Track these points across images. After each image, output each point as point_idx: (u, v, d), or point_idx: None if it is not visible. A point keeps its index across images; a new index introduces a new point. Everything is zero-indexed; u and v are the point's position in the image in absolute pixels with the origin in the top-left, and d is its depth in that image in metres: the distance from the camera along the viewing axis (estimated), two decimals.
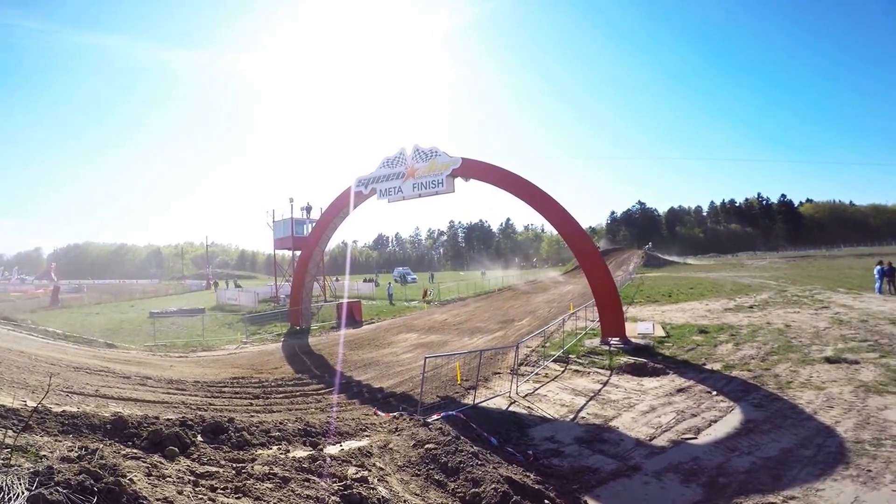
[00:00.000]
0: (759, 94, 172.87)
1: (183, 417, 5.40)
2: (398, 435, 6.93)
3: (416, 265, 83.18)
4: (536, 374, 11.09)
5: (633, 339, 13.50)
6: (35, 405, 4.87)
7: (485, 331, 17.93)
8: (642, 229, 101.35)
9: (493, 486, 5.37)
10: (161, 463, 3.91)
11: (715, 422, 7.79)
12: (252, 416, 7.71)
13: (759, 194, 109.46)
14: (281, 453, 5.50)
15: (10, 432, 3.82)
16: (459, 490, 5.49)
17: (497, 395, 9.60)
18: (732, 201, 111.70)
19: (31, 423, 4.13)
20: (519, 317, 20.98)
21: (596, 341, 13.70)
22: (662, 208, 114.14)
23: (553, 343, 13.91)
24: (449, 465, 5.90)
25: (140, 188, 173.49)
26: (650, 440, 7.28)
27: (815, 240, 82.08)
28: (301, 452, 5.64)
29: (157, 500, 2.88)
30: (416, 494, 5.33)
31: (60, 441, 3.94)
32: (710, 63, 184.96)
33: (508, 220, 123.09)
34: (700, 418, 7.98)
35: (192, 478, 3.84)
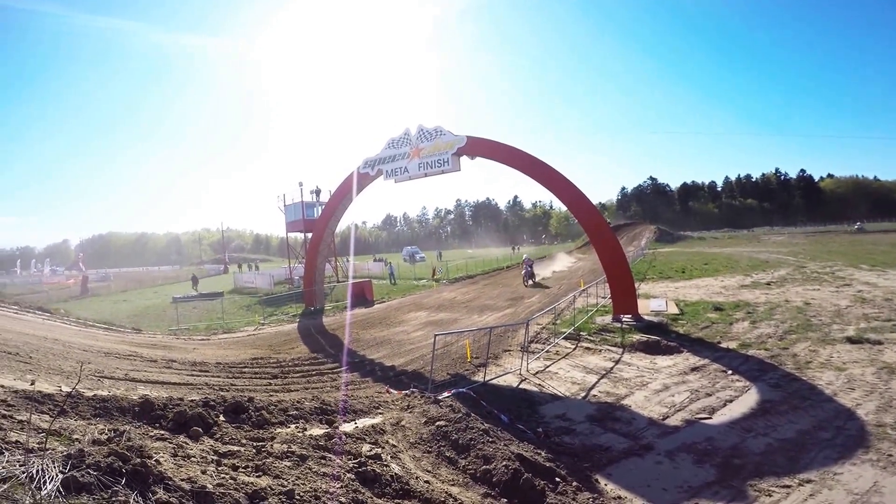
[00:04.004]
0: (777, 66, 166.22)
1: (206, 398, 5.64)
2: (410, 412, 7.12)
3: (424, 244, 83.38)
4: (547, 351, 11.18)
5: (645, 317, 13.43)
6: (69, 390, 5.16)
7: (494, 308, 18.10)
8: (654, 205, 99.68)
9: (504, 463, 5.46)
10: (186, 443, 4.11)
11: (730, 402, 7.72)
12: (271, 396, 8.00)
13: (776, 169, 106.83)
14: (298, 431, 5.67)
15: (45, 417, 4.09)
16: (470, 467, 5.61)
17: (507, 373, 9.76)
18: (748, 176, 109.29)
19: (65, 407, 4.38)
20: (528, 294, 21.08)
21: (607, 318, 13.64)
22: (675, 184, 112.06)
23: (564, 320, 13.94)
24: (460, 442, 6.03)
25: (157, 178, 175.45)
26: (663, 419, 7.27)
27: (837, 215, 79.52)
28: (318, 430, 5.82)
29: (182, 479, 3.04)
30: (427, 471, 5.50)
31: (93, 424, 4.16)
32: (723, 34, 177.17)
33: (516, 197, 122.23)
34: (715, 398, 7.91)
35: (215, 457, 4.02)
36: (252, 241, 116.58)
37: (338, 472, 4.55)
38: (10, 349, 8.65)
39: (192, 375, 9.91)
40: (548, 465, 5.80)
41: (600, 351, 11.07)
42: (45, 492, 2.20)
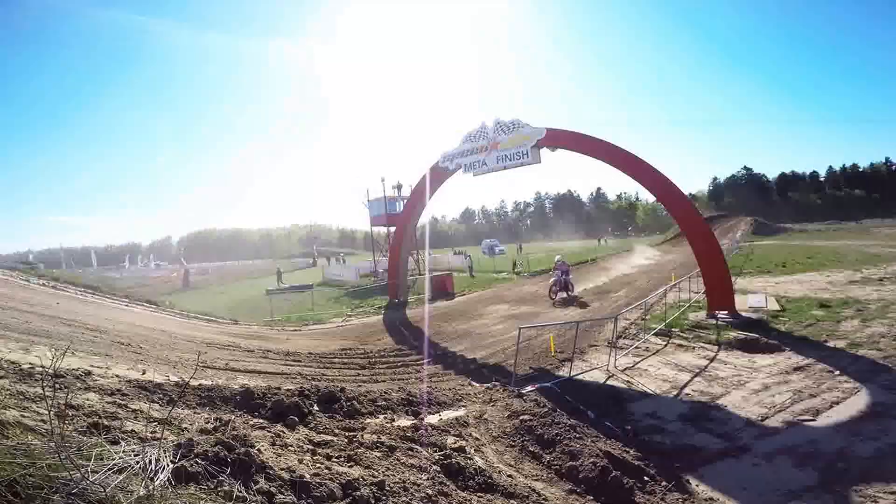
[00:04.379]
0: (883, 46, 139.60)
1: (301, 388, 5.96)
2: (493, 406, 7.08)
3: (503, 237, 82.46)
4: (636, 347, 10.64)
5: (743, 313, 12.48)
6: (177, 380, 5.69)
7: (578, 302, 17.45)
8: (749, 196, 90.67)
9: (592, 460, 5.32)
10: (283, 432, 4.28)
11: (837, 403, 7.08)
12: (360, 386, 8.33)
13: (886, 158, 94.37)
14: (387, 422, 5.82)
15: (156, 406, 4.50)
16: (555, 462, 5.51)
17: (594, 369, 9.39)
18: (855, 166, 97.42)
19: (174, 397, 4.81)
20: (615, 288, 20.06)
21: (701, 314, 12.84)
22: (772, 174, 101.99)
23: (654, 315, 13.16)
24: (545, 437, 5.94)
25: (251, 176, 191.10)
26: (762, 420, 6.82)
27: None
28: (405, 421, 5.99)
29: (282, 469, 3.14)
30: (510, 465, 5.43)
31: (198, 413, 4.51)
32: (824, 17, 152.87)
33: (599, 189, 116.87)
34: (820, 399, 7.29)
35: (310, 447, 4.16)
36: (338, 235, 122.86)
37: (424, 463, 4.59)
38: (122, 340, 9.76)
39: (287, 365, 10.59)
40: (636, 463, 5.60)
41: (693, 348, 10.41)
42: (158, 482, 2.27)
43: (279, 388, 5.84)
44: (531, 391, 7.72)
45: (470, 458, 5.07)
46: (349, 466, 3.94)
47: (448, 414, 6.63)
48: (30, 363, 4.85)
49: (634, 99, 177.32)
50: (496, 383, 8.23)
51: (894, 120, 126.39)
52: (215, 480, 2.63)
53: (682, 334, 11.40)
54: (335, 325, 17.14)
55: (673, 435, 6.63)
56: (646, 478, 5.32)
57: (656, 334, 11.44)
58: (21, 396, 3.35)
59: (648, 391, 8.24)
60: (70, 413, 3.18)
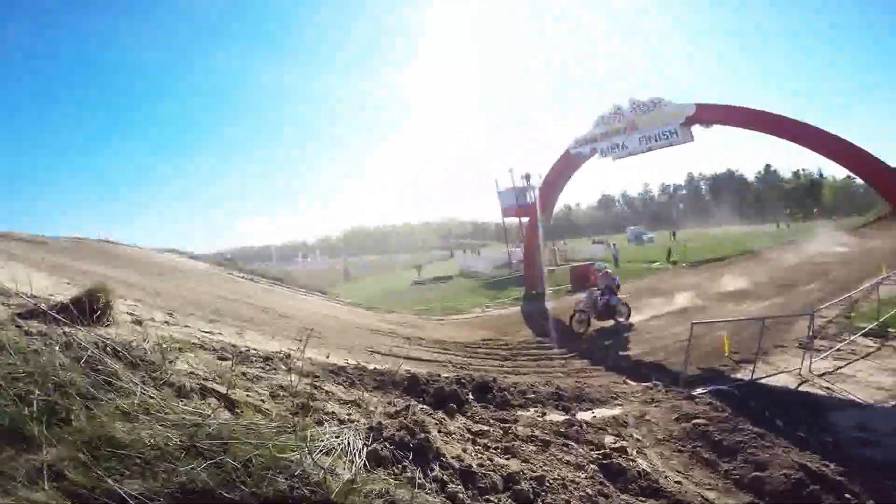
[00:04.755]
0: None
1: (458, 376, 6.26)
2: (655, 406, 6.63)
3: (651, 223, 75.58)
4: (838, 349, 8.94)
5: None
6: (355, 363, 6.39)
7: (755, 296, 15.06)
8: None
9: (783, 471, 4.81)
10: (444, 419, 4.42)
11: None
12: (505, 377, 8.39)
13: None
14: (538, 416, 5.84)
15: (341, 388, 5.06)
16: (735, 472, 5.03)
17: (781, 372, 8.13)
18: None
19: (354, 378, 5.40)
20: (804, 280, 16.95)
21: None
22: None
23: (860, 313, 10.93)
24: (723, 443, 5.44)
25: (396, 176, 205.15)
26: None
27: None
28: (556, 416, 5.91)
29: (452, 457, 3.21)
30: (678, 471, 5.05)
31: (374, 396, 4.98)
32: None
33: (769, 166, 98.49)
34: None
35: (469, 436, 4.25)
36: (471, 227, 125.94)
37: (581, 461, 4.46)
38: (306, 325, 11.27)
39: (437, 353, 11.13)
40: (838, 478, 4.87)
41: None
42: (356, 466, 2.38)
43: (439, 376, 6.18)
44: (704, 393, 7.03)
45: (632, 460, 4.83)
46: (507, 458, 3.98)
47: (602, 412, 6.40)
48: (245, 346, 5.87)
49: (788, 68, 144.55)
50: (657, 383, 7.67)
51: None
52: (400, 466, 2.75)
53: None
54: (474, 316, 17.51)
55: (887, 449, 5.58)
56: (847, 495, 4.66)
57: (865, 335, 9.48)
58: (244, 377, 3.95)
59: (856, 399, 6.97)
60: (280, 393, 3.67)
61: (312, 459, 2.25)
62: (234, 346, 5.73)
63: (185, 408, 2.61)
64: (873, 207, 36.23)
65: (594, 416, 6.11)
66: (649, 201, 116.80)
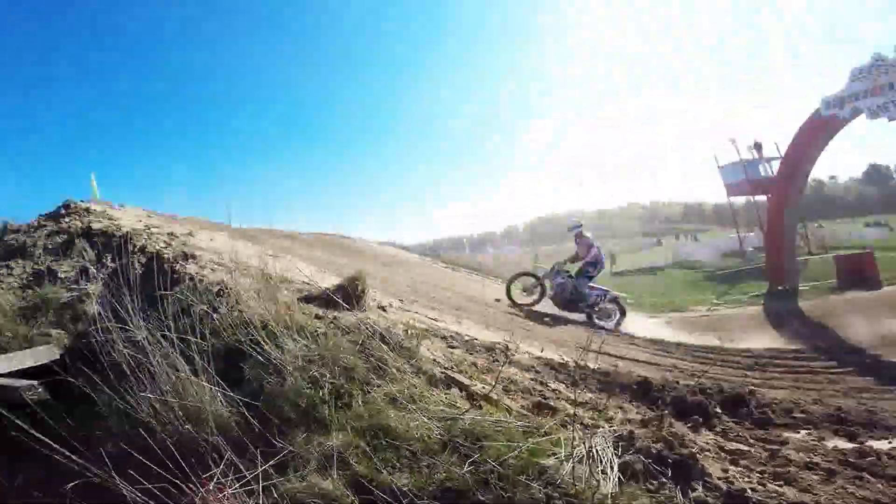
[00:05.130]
0: None
1: (701, 384, 5.52)
2: None
3: None
4: None
5: None
6: (572, 360, 6.12)
7: None
8: None
9: None
10: (687, 434, 3.87)
11: None
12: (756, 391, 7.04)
13: None
14: (813, 440, 4.78)
15: (561, 386, 4.85)
16: None
17: None
18: None
19: (577, 378, 5.14)
20: None
21: None
22: None
23: None
24: None
25: (581, 159, 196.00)
26: None
27: None
28: (838, 442, 4.76)
29: (719, 478, 2.82)
30: None
31: (600, 398, 4.68)
32: None
33: None
34: None
35: (725, 455, 3.72)
36: (681, 209, 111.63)
37: (883, 499, 3.41)
38: (508, 315, 11.36)
39: (656, 355, 10.03)
40: None
41: None
42: (611, 478, 2.23)
43: (677, 383, 5.51)
44: None
45: None
46: (780, 485, 3.31)
47: None
48: (468, 334, 6.17)
49: None
50: None
51: None
52: (655, 482, 2.48)
53: None
54: (698, 315, 15.40)
55: None
56: None
57: None
58: (474, 367, 4.09)
59: None
60: (511, 388, 3.67)
61: (571, 466, 2.14)
62: (458, 333, 5.98)
63: (440, 398, 2.75)
64: None
65: (893, 447, 4.66)
66: None
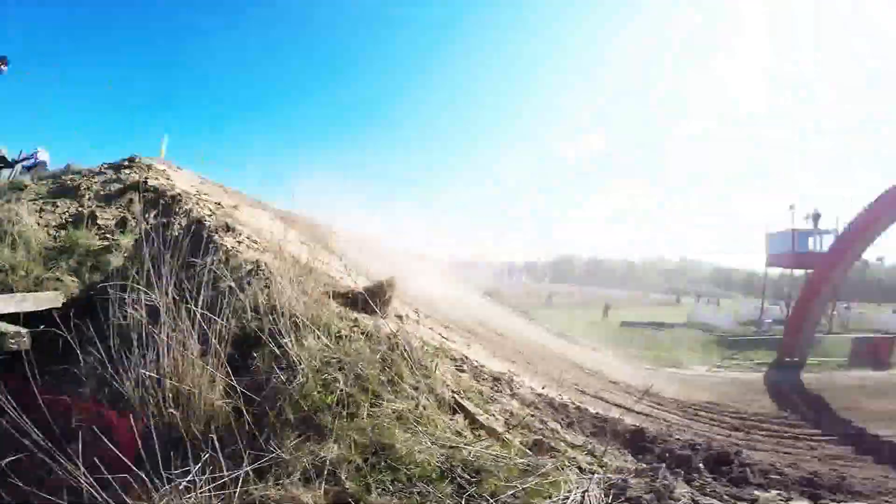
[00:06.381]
0: None
1: (692, 441, 5.67)
2: None
3: None
4: None
5: None
6: (567, 400, 6.34)
7: None
8: None
9: None
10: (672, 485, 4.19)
11: None
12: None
13: None
14: (781, 500, 4.97)
15: (557, 426, 4.98)
16: None
17: None
18: None
19: (573, 420, 5.32)
20: None
21: None
22: None
23: None
24: None
25: (616, 207, 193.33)
26: None
27: None
28: None
29: None
30: None
31: (591, 442, 4.79)
32: None
33: None
34: None
35: None
36: (711, 272, 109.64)
37: None
38: (519, 349, 11.45)
39: (650, 406, 10.29)
40: None
41: None
42: None
43: (669, 436, 5.74)
44: None
45: None
46: None
47: None
48: (476, 360, 6.30)
49: None
50: None
51: None
52: None
53: None
54: (697, 374, 15.82)
55: None
56: None
57: None
58: (480, 395, 4.12)
59: None
60: (512, 422, 3.72)
61: None
62: (466, 357, 6.08)
63: (447, 424, 2.79)
64: None
65: None
66: None
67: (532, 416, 4.51)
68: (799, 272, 23.19)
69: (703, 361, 17.74)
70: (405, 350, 3.36)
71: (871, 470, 7.26)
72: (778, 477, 5.57)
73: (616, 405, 9.60)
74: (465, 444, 2.56)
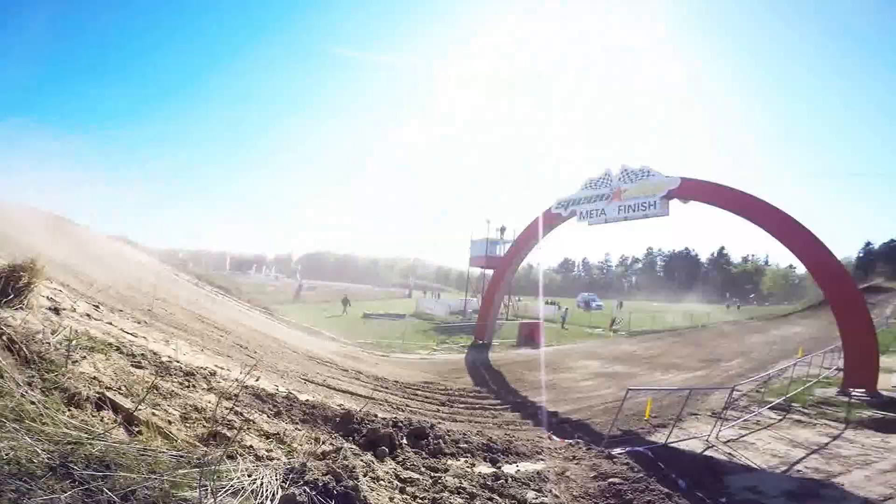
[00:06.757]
0: None
1: (395, 419, 6.06)
2: (576, 464, 6.82)
3: (603, 292, 77.96)
4: (745, 420, 9.63)
5: (884, 392, 11.10)
6: (286, 392, 6.17)
7: (682, 368, 15.99)
8: None
9: None
10: (373, 462, 4.27)
11: None
12: (440, 423, 8.39)
13: None
14: (468, 467, 5.78)
15: (265, 417, 4.85)
16: None
17: (692, 437, 8.62)
18: None
19: (282, 409, 5.20)
20: (727, 357, 18.06)
21: (831, 391, 11.49)
22: None
23: (772, 389, 11.78)
24: (634, 503, 5.65)
25: (366, 207, 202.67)
26: (883, 501, 6.12)
27: None
28: (484, 468, 5.94)
29: None
30: None
31: (300, 430, 4.70)
32: None
33: (722, 249, 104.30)
34: None
35: (398, 483, 4.11)
36: (435, 270, 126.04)
37: None
38: (242, 342, 10.71)
39: (376, 390, 11.00)
40: None
41: (815, 425, 9.40)
42: None
43: (375, 416, 6.05)
44: (622, 453, 7.30)
45: None
46: None
47: (526, 466, 6.47)
48: (168, 356, 5.54)
49: (767, 147, 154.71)
50: (579, 441, 7.87)
51: None
52: None
53: (803, 410, 10.31)
54: (419, 357, 17.52)
55: None
56: None
57: (772, 408, 10.31)
58: (156, 391, 3.69)
59: (752, 465, 7.51)
60: (194, 416, 3.47)
61: (215, 500, 2.06)
62: (155, 353, 5.40)
63: (69, 420, 2.38)
64: (804, 297, 39.13)
65: (518, 470, 6.16)
66: (606, 270, 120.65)
67: (228, 408, 4.18)
68: (489, 271, 28.84)
69: (423, 346, 19.99)
70: (17, 343, 2.79)
71: (532, 432, 9.02)
72: (466, 445, 6.63)
73: (342, 391, 9.92)
74: (92, 440, 2.25)
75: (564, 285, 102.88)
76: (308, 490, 2.53)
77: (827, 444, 8.29)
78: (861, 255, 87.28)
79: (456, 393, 12.09)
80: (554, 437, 8.42)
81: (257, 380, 6.71)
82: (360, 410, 6.44)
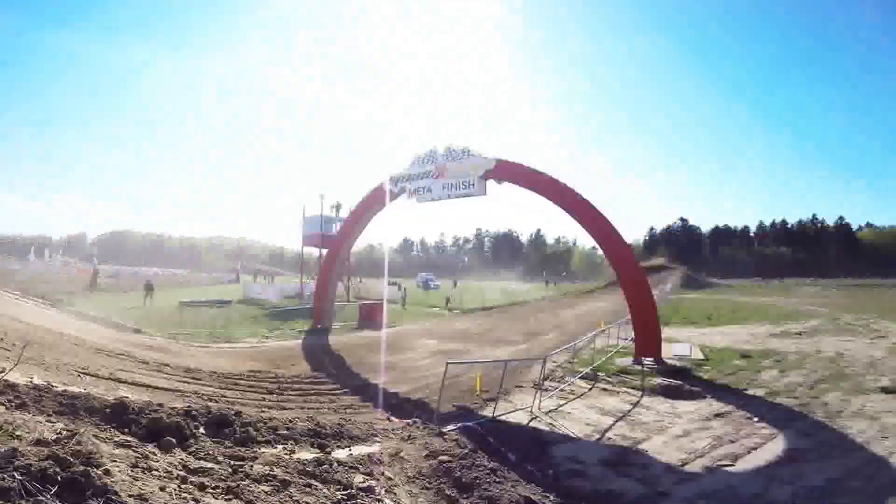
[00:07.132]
0: (820, 103, 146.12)
1: (189, 407, 5.24)
2: (411, 443, 6.66)
3: (440, 272, 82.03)
4: (562, 390, 10.57)
5: (668, 361, 12.88)
6: (39, 382, 4.72)
7: (508, 342, 17.43)
8: (683, 248, 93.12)
9: None
10: (153, 454, 3.72)
11: (755, 449, 7.34)
12: (263, 412, 7.52)
13: (813, 216, 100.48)
14: (285, 453, 5.27)
15: (1, 409, 3.63)
16: None
17: (518, 409, 9.14)
18: (784, 222, 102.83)
19: (27, 400, 3.94)
20: (545, 330, 20.35)
21: (628, 360, 13.11)
22: (706, 227, 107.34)
23: (581, 359, 13.33)
24: (463, 479, 5.60)
25: (178, 181, 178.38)
26: (682, 465, 6.90)
27: (876, 268, 71.93)
28: (307, 454, 5.41)
29: (131, 495, 2.63)
30: None
31: (52, 421, 3.73)
32: (764, 67, 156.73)
33: (539, 231, 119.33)
34: (738, 445, 7.52)
35: (182, 473, 3.62)
36: (268, 252, 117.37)
37: (323, 502, 4.07)
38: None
39: (184, 382, 9.49)
40: None
41: (618, 393, 10.56)
42: None
43: (161, 406, 5.02)
44: (453, 430, 7.34)
45: (378, 500, 4.61)
46: (226, 499, 3.44)
47: (360, 449, 6.10)
48: None
49: (586, 140, 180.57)
50: (416, 420, 7.77)
51: (822, 176, 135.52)
52: (32, 500, 2.30)
53: (607, 378, 11.56)
54: (248, 346, 15.96)
55: (594, 480, 6.49)
56: None
57: (582, 378, 11.48)
58: None
59: (571, 434, 8.13)
60: None
61: None
62: None
63: None
64: (605, 275, 45.76)
65: (350, 454, 5.76)
66: (443, 250, 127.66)
67: None
68: (325, 250, 27.28)
69: (253, 334, 18.18)
70: None
71: (370, 414, 8.73)
72: (286, 431, 6.01)
73: (136, 384, 8.20)
74: None
75: (405, 265, 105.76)
76: (17, 475, 2.41)
77: (629, 410, 9.35)
78: (647, 238, 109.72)
79: (288, 380, 11.13)
80: (393, 419, 8.20)
81: (2, 371, 5.04)
82: (142, 401, 5.31)
